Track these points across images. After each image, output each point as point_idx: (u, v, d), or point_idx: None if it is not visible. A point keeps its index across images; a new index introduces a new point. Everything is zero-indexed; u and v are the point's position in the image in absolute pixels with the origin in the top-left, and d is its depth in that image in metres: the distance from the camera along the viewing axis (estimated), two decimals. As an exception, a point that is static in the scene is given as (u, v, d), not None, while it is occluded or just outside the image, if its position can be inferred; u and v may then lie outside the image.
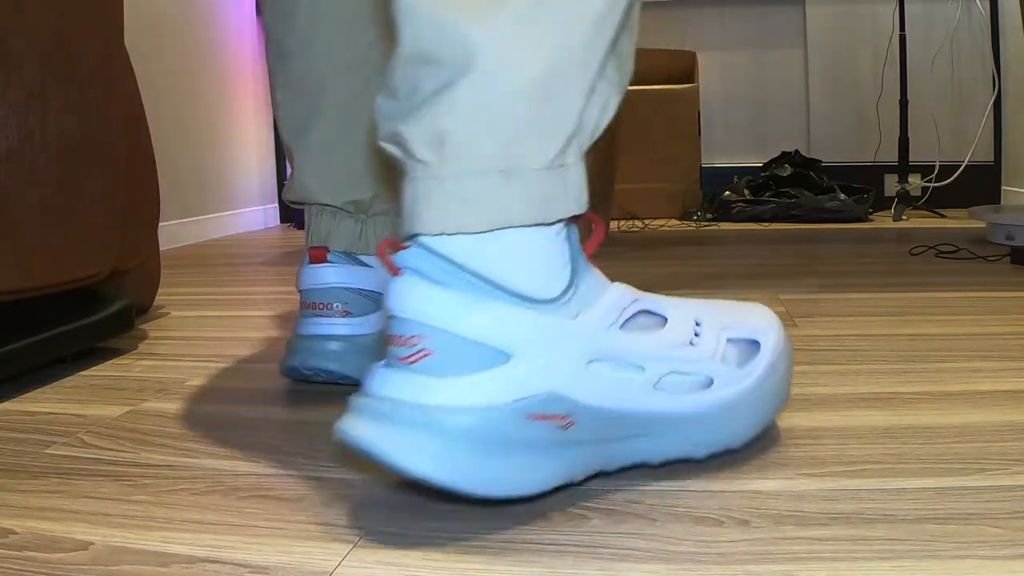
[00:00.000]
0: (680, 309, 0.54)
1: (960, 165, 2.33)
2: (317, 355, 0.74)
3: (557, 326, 0.48)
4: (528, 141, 0.46)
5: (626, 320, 0.51)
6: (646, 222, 2.24)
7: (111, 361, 0.92)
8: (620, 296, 0.51)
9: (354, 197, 0.76)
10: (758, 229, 2.10)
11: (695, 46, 2.60)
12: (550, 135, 0.47)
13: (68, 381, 0.84)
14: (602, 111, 0.50)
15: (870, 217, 2.25)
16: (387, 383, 0.46)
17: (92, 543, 0.47)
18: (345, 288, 0.75)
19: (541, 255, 0.48)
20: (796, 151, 2.44)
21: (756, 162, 2.52)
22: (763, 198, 2.28)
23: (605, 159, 1.78)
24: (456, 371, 0.46)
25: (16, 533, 0.49)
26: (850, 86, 2.60)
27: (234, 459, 0.60)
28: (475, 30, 0.44)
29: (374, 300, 0.77)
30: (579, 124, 0.48)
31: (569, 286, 0.49)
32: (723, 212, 2.30)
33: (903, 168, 2.32)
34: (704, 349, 0.53)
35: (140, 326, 1.09)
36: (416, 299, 0.46)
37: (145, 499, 0.53)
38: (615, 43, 0.50)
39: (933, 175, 2.38)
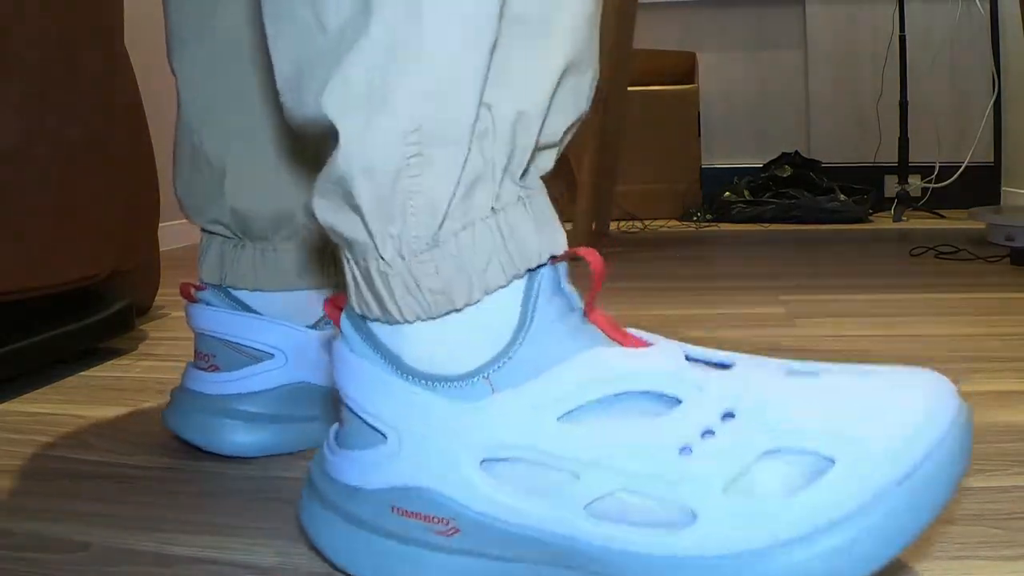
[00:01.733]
0: (711, 388, 0.36)
1: (960, 166, 2.33)
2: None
3: (444, 409, 0.37)
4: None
5: (593, 402, 0.36)
6: (646, 222, 2.24)
7: (111, 361, 0.92)
8: (593, 367, 0.36)
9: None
10: (758, 230, 2.10)
11: (695, 46, 2.60)
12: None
13: (68, 381, 0.84)
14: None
15: (870, 218, 2.25)
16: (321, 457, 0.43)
17: (92, 543, 0.47)
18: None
19: (441, 331, 0.38)
20: (796, 152, 2.44)
21: (756, 163, 2.52)
22: (763, 199, 2.28)
23: (604, 159, 1.78)
24: (350, 445, 0.41)
25: (16, 534, 0.49)
26: (850, 86, 2.60)
27: (234, 460, 0.59)
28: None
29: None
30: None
31: (495, 359, 0.37)
32: (723, 213, 2.30)
33: (903, 169, 2.32)
34: (702, 463, 0.35)
35: (140, 326, 1.09)
36: (335, 366, 0.41)
37: (145, 500, 0.53)
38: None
39: (933, 176, 2.38)
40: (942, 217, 2.24)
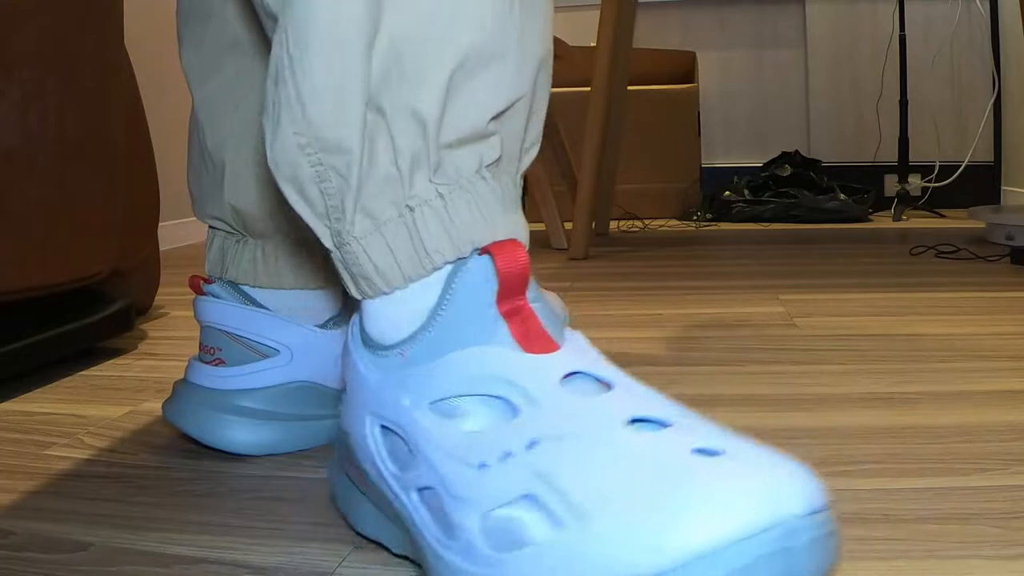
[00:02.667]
0: (543, 412, 0.35)
1: (960, 165, 2.33)
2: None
3: (364, 372, 0.41)
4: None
5: (464, 397, 0.37)
6: (646, 222, 2.24)
7: (111, 361, 0.92)
8: (466, 364, 0.37)
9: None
10: (758, 229, 2.10)
11: (695, 46, 2.60)
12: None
13: (68, 381, 0.84)
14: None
15: (870, 217, 2.25)
16: None
17: (92, 543, 0.47)
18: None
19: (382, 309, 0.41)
20: (796, 151, 2.44)
21: (756, 162, 2.51)
22: (763, 198, 2.28)
23: (604, 159, 1.78)
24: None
25: (16, 534, 0.49)
26: (850, 86, 2.60)
27: (234, 459, 0.59)
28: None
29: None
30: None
31: (411, 337, 0.39)
32: (723, 212, 2.30)
33: (903, 168, 2.32)
34: (480, 487, 0.35)
35: (140, 326, 1.09)
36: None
37: (145, 500, 0.53)
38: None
39: (933, 175, 2.38)
40: (942, 216, 2.24)
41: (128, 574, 0.43)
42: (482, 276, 0.39)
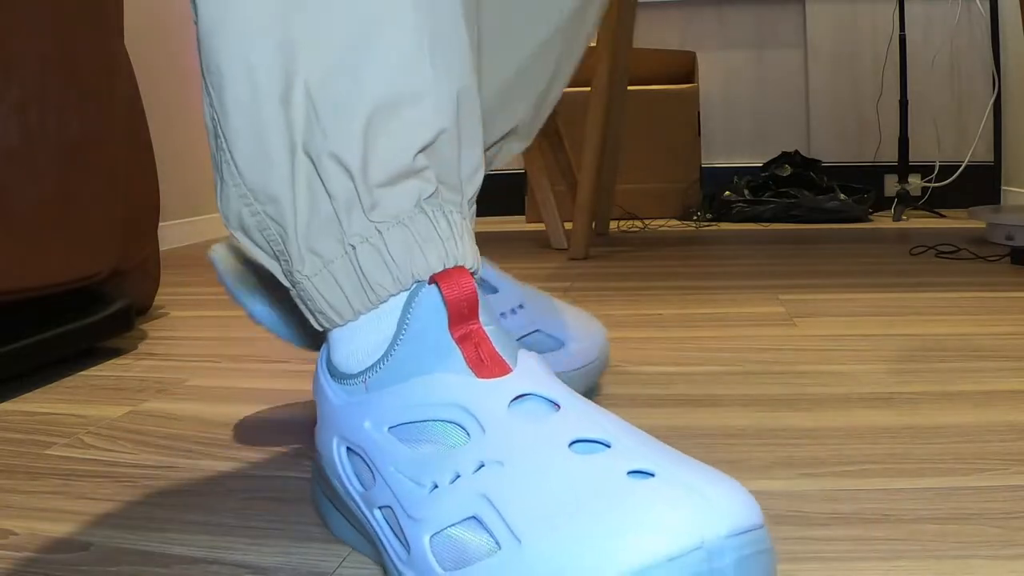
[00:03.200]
0: (490, 436, 0.36)
1: (960, 165, 2.33)
2: None
3: (332, 400, 0.43)
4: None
5: (419, 422, 0.39)
6: (646, 222, 2.24)
7: (111, 361, 0.92)
8: (421, 391, 0.39)
9: None
10: (758, 229, 2.10)
11: (695, 46, 2.60)
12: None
13: (68, 381, 0.84)
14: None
15: (870, 217, 2.25)
16: None
17: (92, 543, 0.47)
18: None
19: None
20: (796, 151, 2.44)
21: (756, 162, 2.51)
22: (763, 198, 2.28)
23: (604, 159, 1.78)
24: None
25: (16, 534, 0.49)
26: (850, 86, 2.60)
27: (234, 459, 0.60)
28: None
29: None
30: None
31: (373, 366, 0.41)
32: (723, 212, 2.30)
33: (903, 168, 2.32)
34: (429, 507, 0.36)
35: (140, 326, 1.09)
36: None
37: (145, 500, 0.53)
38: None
39: (933, 175, 2.38)
40: (942, 216, 2.24)
41: (128, 574, 0.43)
42: (432, 306, 0.40)
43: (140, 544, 0.47)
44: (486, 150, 0.62)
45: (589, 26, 0.66)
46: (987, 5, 2.44)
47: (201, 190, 2.33)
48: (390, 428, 0.39)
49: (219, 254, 0.62)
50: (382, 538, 0.39)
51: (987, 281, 1.22)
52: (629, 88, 1.99)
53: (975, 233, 1.76)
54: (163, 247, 1.31)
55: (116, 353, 0.95)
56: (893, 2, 2.37)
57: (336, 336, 0.43)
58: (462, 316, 0.40)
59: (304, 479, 0.56)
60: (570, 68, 0.67)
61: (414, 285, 0.41)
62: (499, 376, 0.39)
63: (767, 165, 2.42)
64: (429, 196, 0.41)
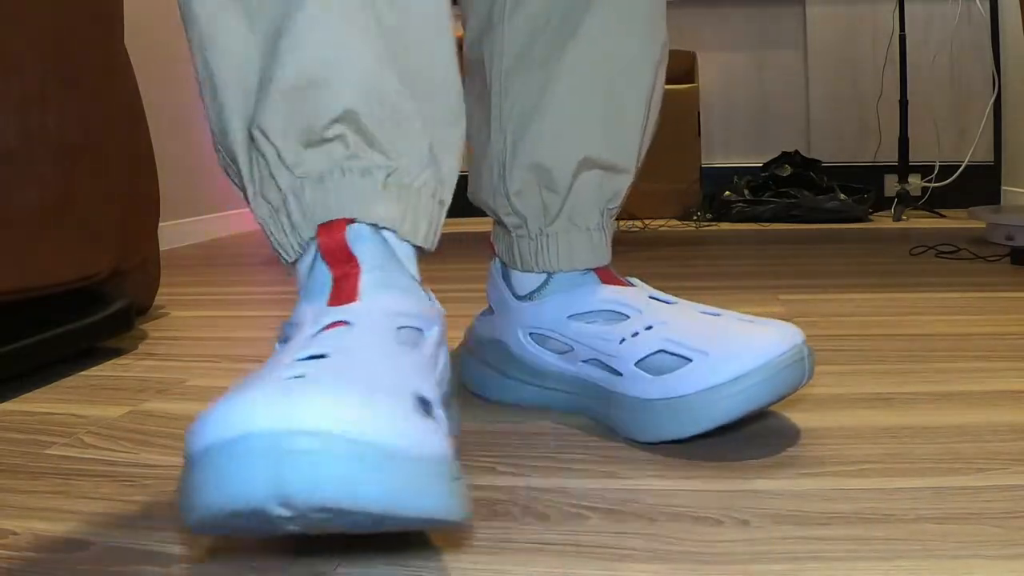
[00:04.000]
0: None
1: (960, 165, 2.33)
2: None
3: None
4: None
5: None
6: (646, 222, 2.24)
7: (111, 361, 0.92)
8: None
9: None
10: (758, 229, 2.10)
11: (695, 46, 2.60)
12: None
13: (68, 381, 0.84)
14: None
15: (870, 217, 2.25)
16: None
17: (92, 543, 0.47)
18: None
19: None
20: (796, 151, 2.44)
21: (756, 162, 2.52)
22: (763, 198, 2.28)
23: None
24: None
25: (16, 533, 0.49)
26: (850, 86, 2.60)
27: (234, 459, 0.59)
28: None
29: None
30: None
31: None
32: (723, 212, 2.30)
33: (903, 168, 2.32)
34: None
35: (140, 326, 1.09)
36: None
37: (145, 499, 0.53)
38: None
39: (933, 175, 2.38)
40: (942, 216, 2.24)
41: (128, 574, 0.43)
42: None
43: (140, 544, 0.47)
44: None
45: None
46: (987, 5, 2.44)
47: (201, 190, 2.33)
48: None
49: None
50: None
51: (987, 281, 1.22)
52: (629, 88, 1.98)
53: (975, 233, 1.76)
54: (163, 247, 1.31)
55: (116, 353, 0.95)
56: (893, 2, 2.37)
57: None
58: (337, 260, 0.48)
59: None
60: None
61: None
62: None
63: (767, 165, 2.42)
64: (348, 159, 0.48)
